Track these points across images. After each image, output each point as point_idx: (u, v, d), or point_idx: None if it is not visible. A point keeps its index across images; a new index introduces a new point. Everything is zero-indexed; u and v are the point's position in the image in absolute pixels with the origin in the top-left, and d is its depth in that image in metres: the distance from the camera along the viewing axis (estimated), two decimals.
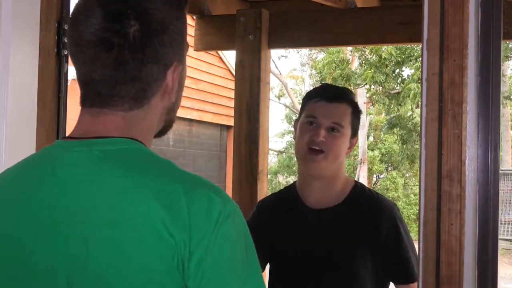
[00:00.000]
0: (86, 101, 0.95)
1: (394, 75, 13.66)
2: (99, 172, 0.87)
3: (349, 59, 16.08)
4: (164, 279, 0.81)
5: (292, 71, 28.72)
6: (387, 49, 12.75)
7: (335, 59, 15.45)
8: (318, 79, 18.64)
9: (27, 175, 0.93)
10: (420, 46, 1.53)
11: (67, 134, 0.97)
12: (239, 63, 3.35)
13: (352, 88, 17.06)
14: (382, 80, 13.33)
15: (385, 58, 12.97)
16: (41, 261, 0.86)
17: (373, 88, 14.16)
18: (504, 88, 15.18)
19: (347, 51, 16.10)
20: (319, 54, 22.70)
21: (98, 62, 0.91)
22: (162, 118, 1.00)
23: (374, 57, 13.35)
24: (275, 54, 25.60)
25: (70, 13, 0.96)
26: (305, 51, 26.41)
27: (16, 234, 0.89)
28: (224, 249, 0.83)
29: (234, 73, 3.69)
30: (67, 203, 0.86)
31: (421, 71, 1.47)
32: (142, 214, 0.82)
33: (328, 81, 16.26)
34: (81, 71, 0.94)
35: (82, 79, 0.94)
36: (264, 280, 0.89)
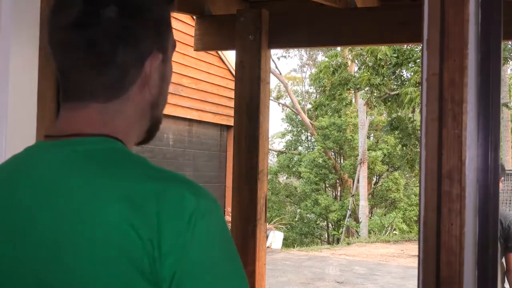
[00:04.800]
0: (64, 95, 0.93)
1: (394, 76, 13.65)
2: (69, 174, 0.86)
3: (347, 63, 16.09)
4: (133, 281, 0.79)
5: (291, 71, 28.71)
6: (382, 50, 12.74)
7: (332, 63, 15.47)
8: (316, 83, 18.68)
9: (5, 178, 0.92)
10: (420, 46, 1.52)
11: None
12: (239, 63, 3.35)
13: (351, 91, 17.09)
14: (379, 82, 13.32)
15: (380, 59, 12.96)
16: (10, 265, 0.86)
17: (368, 91, 14.16)
18: (502, 94, 15.16)
19: (347, 54, 16.11)
20: (320, 55, 22.72)
21: (70, 44, 0.88)
22: (145, 114, 0.96)
23: (370, 58, 13.35)
24: (275, 54, 25.63)
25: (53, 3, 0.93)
26: (305, 51, 26.44)
27: None
28: (202, 248, 0.80)
29: (234, 73, 3.68)
30: (37, 206, 0.85)
31: (421, 71, 1.47)
32: (109, 216, 0.80)
33: (327, 85, 16.28)
34: (56, 59, 0.92)
35: (58, 68, 0.92)
36: (246, 276, 0.86)
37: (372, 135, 21.14)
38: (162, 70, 0.96)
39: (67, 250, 0.82)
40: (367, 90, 14.25)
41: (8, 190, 0.89)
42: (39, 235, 0.84)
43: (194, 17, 3.81)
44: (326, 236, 20.83)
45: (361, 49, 13.64)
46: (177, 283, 0.78)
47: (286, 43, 3.65)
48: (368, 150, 19.23)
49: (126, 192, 0.81)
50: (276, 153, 24.60)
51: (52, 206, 0.84)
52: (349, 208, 18.03)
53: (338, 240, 17.92)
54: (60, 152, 0.88)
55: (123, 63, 0.89)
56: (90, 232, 0.81)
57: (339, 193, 21.30)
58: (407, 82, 13.28)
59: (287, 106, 24.68)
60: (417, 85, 12.47)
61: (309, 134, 23.30)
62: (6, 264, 0.86)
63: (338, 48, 15.93)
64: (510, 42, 12.81)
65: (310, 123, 22.03)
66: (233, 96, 3.51)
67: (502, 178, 4.10)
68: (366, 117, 18.53)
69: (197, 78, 11.72)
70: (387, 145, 19.75)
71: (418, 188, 5.78)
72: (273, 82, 25.06)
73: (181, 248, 0.79)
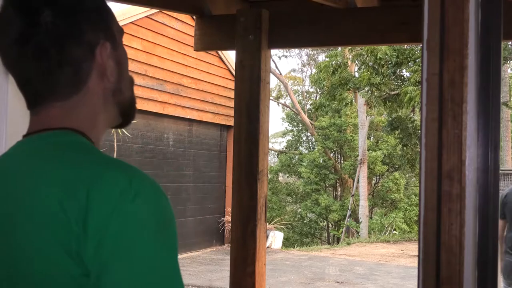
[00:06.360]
0: (29, 105, 0.98)
1: (394, 76, 13.65)
2: (20, 164, 0.92)
3: (346, 63, 16.09)
4: (61, 262, 0.81)
5: (291, 71, 28.72)
6: (382, 49, 12.74)
7: (332, 63, 15.47)
8: (317, 85, 18.69)
9: None
10: (420, 46, 1.53)
11: None
12: (239, 63, 3.35)
13: (351, 92, 17.09)
14: (378, 82, 13.32)
15: (380, 58, 12.96)
16: None
17: (368, 91, 14.16)
18: (502, 94, 15.18)
19: (347, 54, 16.11)
20: (320, 55, 22.72)
21: (22, 58, 0.93)
22: (108, 101, 0.99)
23: (370, 58, 13.35)
24: (275, 54, 25.63)
25: None
26: (306, 51, 26.43)
27: None
28: (127, 229, 0.80)
29: (234, 73, 3.68)
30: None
31: (421, 71, 1.47)
32: (43, 199, 0.83)
33: (326, 85, 16.29)
34: (13, 74, 0.97)
35: (17, 82, 0.97)
36: (179, 267, 0.84)
37: (372, 135, 21.13)
38: (116, 56, 0.99)
39: (7, 232, 0.86)
40: (367, 90, 14.25)
41: None
42: None
43: (194, 17, 3.81)
44: (326, 236, 20.84)
45: (361, 49, 13.64)
46: (101, 264, 0.79)
47: (286, 43, 3.65)
48: (368, 150, 19.22)
49: (63, 176, 0.84)
50: (276, 153, 24.61)
51: (3, 193, 0.90)
52: (349, 208, 18.03)
53: (338, 240, 17.93)
54: (19, 148, 0.96)
55: (73, 59, 0.93)
56: (27, 215, 0.84)
57: (339, 193, 21.30)
58: (407, 81, 13.29)
59: (287, 106, 24.68)
60: (417, 84, 12.47)
61: (309, 134, 23.30)
62: None
63: (339, 48, 15.92)
64: (510, 42, 12.81)
65: (310, 123, 22.04)
66: (233, 96, 3.51)
67: None
68: (366, 117, 18.52)
69: (197, 78, 11.72)
70: (387, 145, 19.76)
71: (418, 188, 5.77)
72: (273, 82, 25.08)
73: (105, 229, 0.79)
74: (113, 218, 0.79)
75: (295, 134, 24.47)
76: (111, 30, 0.99)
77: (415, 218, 17.71)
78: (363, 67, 14.01)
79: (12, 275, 0.86)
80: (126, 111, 1.04)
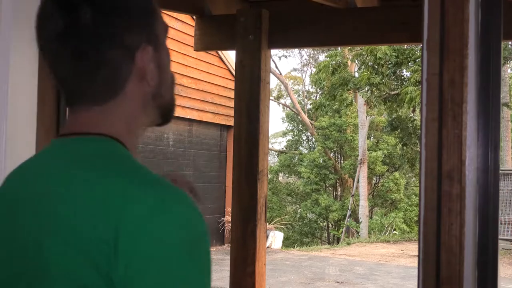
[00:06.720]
0: (66, 100, 0.95)
1: (394, 76, 13.66)
2: (55, 173, 0.89)
3: (346, 62, 16.09)
4: (91, 281, 0.79)
5: (291, 71, 28.73)
6: (381, 49, 12.74)
7: (332, 63, 15.47)
8: (317, 85, 18.69)
9: (25, 173, 0.96)
10: (420, 46, 1.53)
11: None
12: (239, 63, 3.35)
13: (351, 91, 17.09)
14: (379, 81, 13.32)
15: (380, 58, 12.96)
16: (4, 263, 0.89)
17: (368, 91, 14.16)
18: (502, 94, 15.18)
19: (347, 53, 16.12)
20: (321, 55, 22.72)
21: (59, 56, 0.90)
22: (148, 105, 0.95)
23: (370, 58, 13.35)
24: (275, 54, 25.64)
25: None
26: (306, 50, 26.43)
27: None
28: (156, 252, 0.78)
29: (234, 73, 3.68)
30: (28, 203, 0.88)
31: (421, 71, 1.47)
32: (75, 214, 0.81)
33: (326, 85, 16.28)
34: (51, 70, 0.94)
35: (55, 78, 0.94)
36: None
37: (372, 135, 21.13)
38: (157, 59, 0.94)
39: (39, 244, 0.84)
40: (367, 90, 14.26)
41: (17, 187, 0.93)
42: (27, 234, 0.86)
43: (194, 17, 3.81)
44: (326, 236, 20.83)
45: (360, 49, 13.64)
46: (131, 285, 0.77)
47: (286, 43, 3.65)
48: (368, 150, 19.22)
49: (95, 190, 0.82)
50: (276, 153, 24.61)
51: (36, 203, 0.87)
52: (349, 208, 18.03)
53: (338, 240, 17.92)
54: (56, 150, 0.92)
55: (112, 62, 0.90)
56: (57, 228, 0.82)
57: (339, 193, 21.30)
58: (407, 81, 13.28)
59: (287, 106, 24.68)
60: (417, 84, 12.46)
61: (309, 134, 23.31)
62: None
63: (338, 48, 15.93)
64: (510, 42, 12.81)
65: (310, 123, 22.04)
66: (233, 96, 3.51)
67: None
68: (366, 117, 18.52)
69: (197, 78, 11.71)
70: (387, 145, 19.75)
71: (418, 188, 5.75)
72: (273, 82, 25.07)
73: (135, 250, 0.77)
74: (143, 239, 0.77)
75: (295, 134, 24.47)
76: (154, 32, 0.94)
77: (415, 218, 17.71)
78: (363, 67, 14.01)
79: None
80: (166, 113, 1.00)
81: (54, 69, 0.92)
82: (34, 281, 0.84)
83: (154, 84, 0.94)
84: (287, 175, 23.12)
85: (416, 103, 12.77)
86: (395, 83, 14.08)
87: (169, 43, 1.01)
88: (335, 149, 20.71)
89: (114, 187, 0.82)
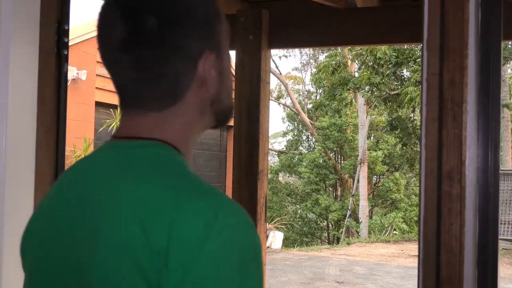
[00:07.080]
0: (121, 103, 0.93)
1: (394, 76, 13.66)
2: (107, 174, 0.87)
3: (346, 62, 16.09)
4: (137, 285, 0.76)
5: (292, 70, 28.71)
6: (381, 49, 12.74)
7: (332, 63, 15.47)
8: (317, 85, 18.69)
9: (79, 175, 0.94)
10: (420, 46, 1.53)
11: None
12: (239, 63, 3.35)
13: (351, 91, 17.10)
14: (379, 81, 13.33)
15: (380, 58, 12.97)
16: (55, 264, 0.87)
17: (368, 91, 14.16)
18: (502, 94, 15.18)
19: (347, 54, 16.12)
20: (321, 55, 22.72)
21: (120, 64, 0.89)
22: (205, 111, 0.94)
23: (369, 57, 13.35)
24: (276, 54, 25.64)
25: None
26: (306, 50, 26.44)
27: (45, 235, 0.90)
28: (210, 266, 0.75)
29: (234, 73, 3.68)
30: (81, 204, 0.87)
31: (421, 71, 1.47)
32: (126, 220, 0.79)
33: (326, 85, 16.28)
34: (110, 75, 0.92)
35: (113, 82, 0.93)
36: None
37: (372, 135, 21.14)
38: (219, 66, 0.93)
39: (86, 248, 0.82)
40: (367, 90, 14.26)
41: (71, 187, 0.92)
42: (79, 235, 0.84)
43: None
44: (326, 236, 20.84)
45: (360, 49, 13.64)
46: None
47: (286, 43, 3.65)
48: (368, 150, 19.23)
49: (147, 199, 0.80)
50: (276, 153, 24.61)
51: (90, 207, 0.85)
52: (349, 208, 18.04)
53: (338, 240, 17.93)
54: (109, 151, 0.91)
55: (174, 72, 0.88)
56: (106, 234, 0.80)
57: (339, 193, 21.31)
58: (407, 81, 13.29)
59: (287, 106, 24.69)
60: (417, 84, 12.47)
61: (309, 134, 23.32)
62: (51, 263, 0.87)
63: (338, 48, 15.93)
64: (510, 42, 12.81)
65: (310, 123, 22.05)
66: (233, 96, 3.51)
67: None
68: (366, 117, 18.53)
69: None
70: (387, 145, 19.76)
71: (418, 188, 5.76)
72: (273, 82, 25.08)
73: (186, 265, 0.75)
74: (195, 254, 0.75)
75: (295, 134, 24.49)
76: (217, 38, 0.93)
77: (415, 218, 17.71)
78: (363, 67, 14.01)
79: None
80: (222, 118, 0.99)
81: (115, 76, 0.91)
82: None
83: (213, 91, 0.93)
84: (287, 175, 23.14)
85: (416, 103, 12.77)
86: (395, 83, 14.08)
87: None
88: (335, 149, 20.72)
89: (167, 198, 0.80)
